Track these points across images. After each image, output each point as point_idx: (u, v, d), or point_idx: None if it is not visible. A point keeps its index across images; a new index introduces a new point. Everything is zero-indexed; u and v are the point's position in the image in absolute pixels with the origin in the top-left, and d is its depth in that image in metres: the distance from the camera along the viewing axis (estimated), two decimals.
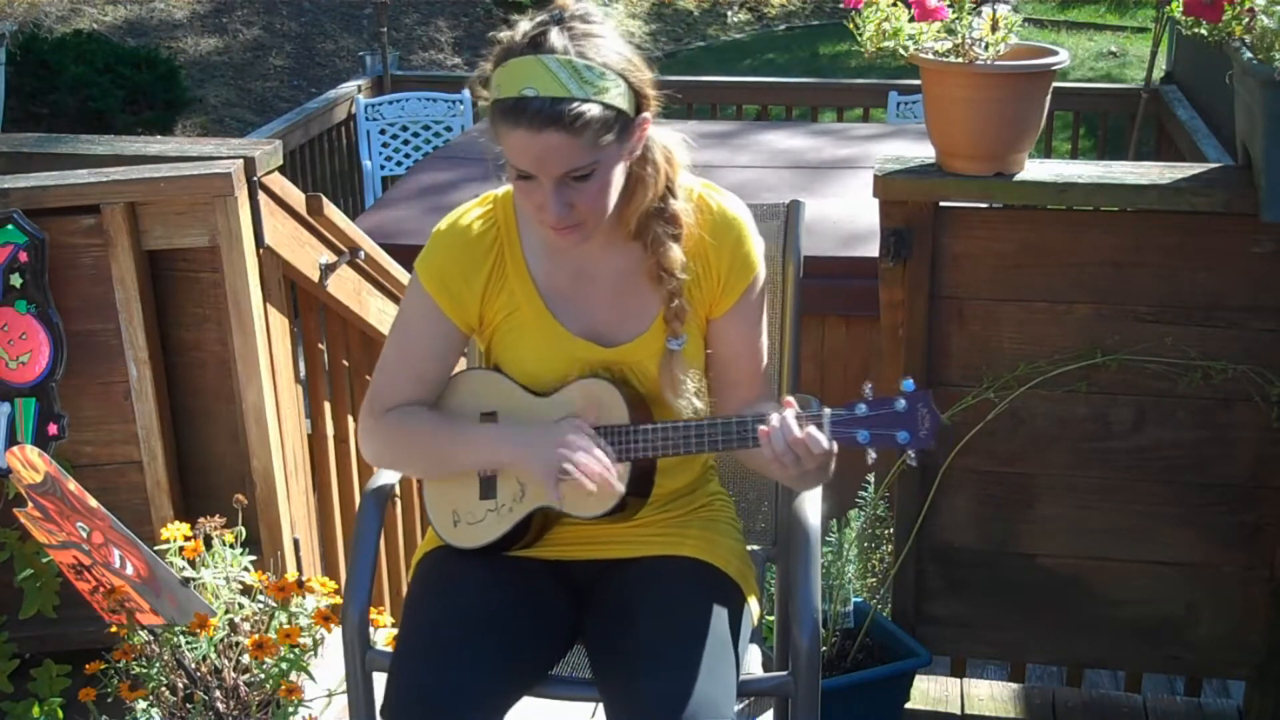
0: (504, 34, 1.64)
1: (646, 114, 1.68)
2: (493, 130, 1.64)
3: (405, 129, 6.70)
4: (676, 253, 1.75)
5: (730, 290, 1.79)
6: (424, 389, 1.83)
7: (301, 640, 2.11)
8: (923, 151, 2.45)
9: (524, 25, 1.62)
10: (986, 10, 2.27)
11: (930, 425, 1.61)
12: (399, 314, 1.87)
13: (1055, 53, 2.30)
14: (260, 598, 2.17)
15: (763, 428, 1.63)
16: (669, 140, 1.76)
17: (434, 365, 1.83)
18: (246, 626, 2.13)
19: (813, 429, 1.61)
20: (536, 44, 1.59)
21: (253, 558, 2.25)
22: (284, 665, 2.09)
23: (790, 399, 1.65)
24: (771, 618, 2.24)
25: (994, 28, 2.25)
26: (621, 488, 1.69)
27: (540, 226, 1.70)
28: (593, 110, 1.58)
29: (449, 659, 1.69)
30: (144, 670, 2.09)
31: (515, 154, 1.61)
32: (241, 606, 2.16)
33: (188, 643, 2.08)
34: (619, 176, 1.67)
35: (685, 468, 1.90)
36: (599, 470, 1.66)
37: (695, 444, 1.71)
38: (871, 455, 1.64)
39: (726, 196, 1.81)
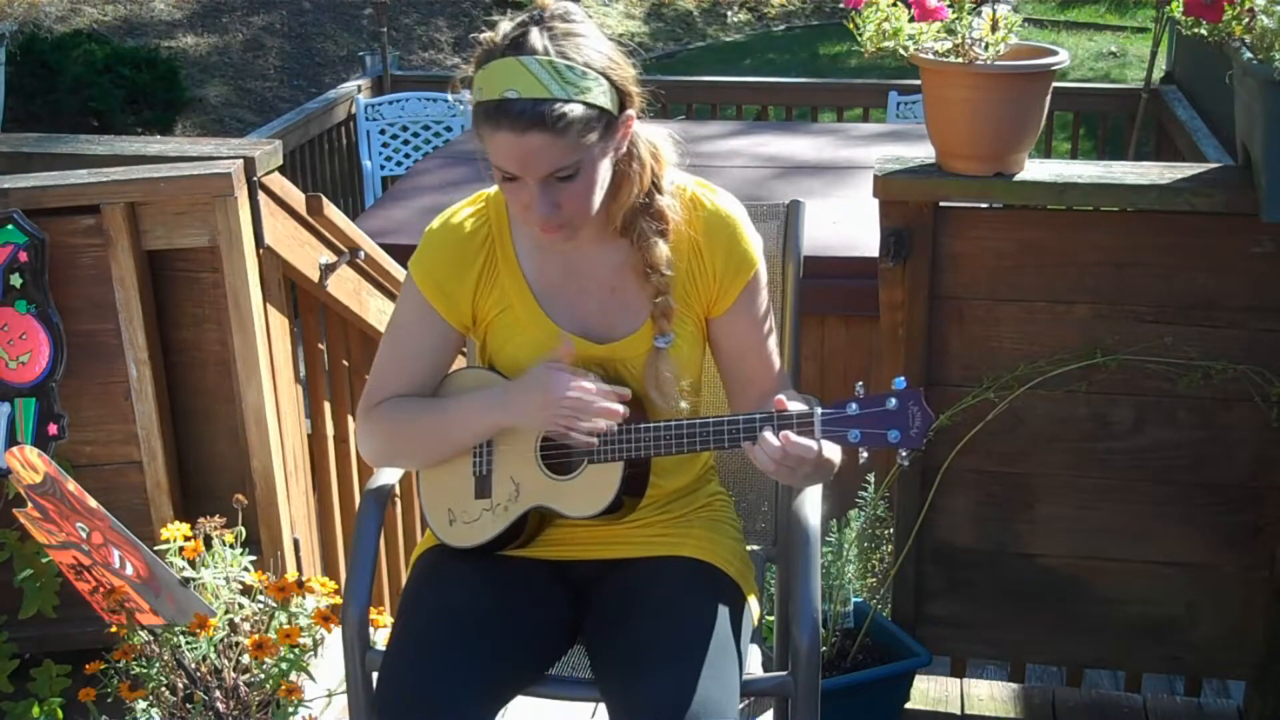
0: (485, 35, 1.63)
1: (631, 111, 1.68)
2: (476, 132, 1.64)
3: (405, 129, 6.69)
4: (662, 249, 1.75)
5: (729, 288, 1.79)
6: (418, 387, 1.83)
7: (301, 640, 2.11)
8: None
9: (504, 26, 1.62)
10: (986, 10, 2.27)
11: (921, 424, 1.61)
12: (393, 313, 1.87)
13: (1055, 53, 2.30)
14: (260, 598, 2.17)
15: (748, 444, 1.64)
16: (655, 137, 1.76)
17: (428, 363, 1.84)
18: (246, 626, 2.13)
19: (793, 437, 1.60)
20: (517, 45, 1.59)
21: (253, 558, 2.25)
22: (284, 665, 2.09)
23: (781, 398, 1.65)
24: (771, 618, 2.24)
25: (994, 28, 2.25)
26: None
27: (527, 225, 1.70)
28: (575, 110, 1.58)
29: (438, 657, 1.69)
30: (144, 670, 2.09)
31: (499, 156, 1.61)
32: (241, 606, 2.16)
33: (188, 643, 2.08)
34: (604, 174, 1.67)
35: (685, 468, 1.90)
36: (596, 393, 1.68)
37: (689, 443, 1.71)
38: (864, 454, 1.64)
39: (720, 194, 1.81)
